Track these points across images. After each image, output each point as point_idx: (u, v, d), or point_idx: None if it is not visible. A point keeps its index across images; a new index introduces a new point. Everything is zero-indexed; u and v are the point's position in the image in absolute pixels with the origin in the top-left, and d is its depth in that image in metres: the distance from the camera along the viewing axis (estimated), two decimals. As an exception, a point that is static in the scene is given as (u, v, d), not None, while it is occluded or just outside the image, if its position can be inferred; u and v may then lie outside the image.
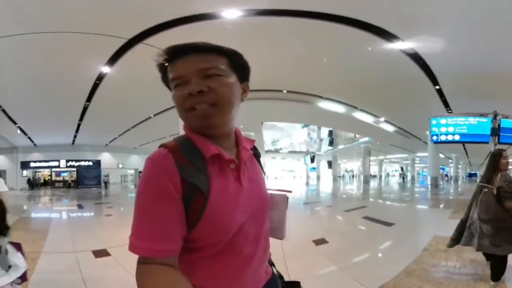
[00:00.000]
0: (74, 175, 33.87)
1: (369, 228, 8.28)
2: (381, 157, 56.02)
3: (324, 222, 10.36)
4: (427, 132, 24.60)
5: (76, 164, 33.51)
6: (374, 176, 63.58)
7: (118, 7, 7.30)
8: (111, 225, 9.47)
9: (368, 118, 19.72)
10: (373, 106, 17.56)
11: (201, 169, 0.99)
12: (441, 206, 13.83)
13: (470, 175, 63.95)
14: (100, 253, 5.49)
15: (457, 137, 12.09)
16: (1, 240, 2.58)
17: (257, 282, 1.16)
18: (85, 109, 15.97)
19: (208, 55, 1.03)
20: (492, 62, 10.30)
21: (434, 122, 12.33)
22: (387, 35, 8.77)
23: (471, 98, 13.34)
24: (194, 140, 1.04)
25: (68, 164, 33.67)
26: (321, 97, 15.53)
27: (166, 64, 1.05)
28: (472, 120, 11.78)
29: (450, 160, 49.27)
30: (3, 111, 15.78)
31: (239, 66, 1.10)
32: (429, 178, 27.43)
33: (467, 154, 39.20)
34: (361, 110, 18.18)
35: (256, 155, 1.28)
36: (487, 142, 11.66)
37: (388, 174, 75.15)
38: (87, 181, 32.77)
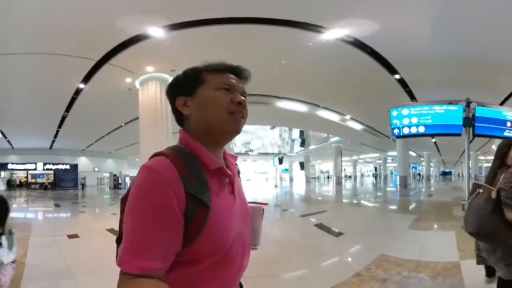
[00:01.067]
0: (51, 177, 35.17)
1: (314, 238, 7.65)
2: (355, 157, 56.15)
3: (269, 228, 8.48)
4: None
5: (54, 167, 34.87)
6: (349, 176, 64.26)
7: (86, 32, 8.51)
8: (83, 219, 12.12)
9: (333, 116, 19.56)
10: (335, 103, 17.37)
11: (203, 182, 1.01)
12: (405, 210, 13.10)
13: (444, 174, 66.00)
14: (72, 236, 7.64)
15: (421, 129, 10.75)
16: (7, 224, 3.50)
17: None
18: (63, 118, 17.54)
19: (244, 83, 1.19)
20: (462, 47, 9.50)
21: (394, 113, 11.07)
22: (313, 27, 8.59)
23: (439, 88, 12.27)
24: (197, 150, 1.06)
25: (46, 167, 35.03)
26: (278, 97, 15.57)
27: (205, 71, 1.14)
28: (439, 108, 10.57)
29: (422, 159, 49.32)
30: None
31: None
32: (398, 177, 27.50)
33: (439, 151, 38.96)
34: (324, 108, 17.94)
35: (238, 170, 1.34)
36: (458, 134, 10.48)
37: (362, 175, 75.32)
38: (64, 183, 34.09)
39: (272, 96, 15.19)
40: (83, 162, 36.57)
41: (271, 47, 10.00)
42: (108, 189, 35.12)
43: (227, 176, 1.12)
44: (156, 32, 8.62)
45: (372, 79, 12.33)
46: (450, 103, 10.46)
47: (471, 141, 11.29)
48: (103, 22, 7.94)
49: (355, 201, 17.72)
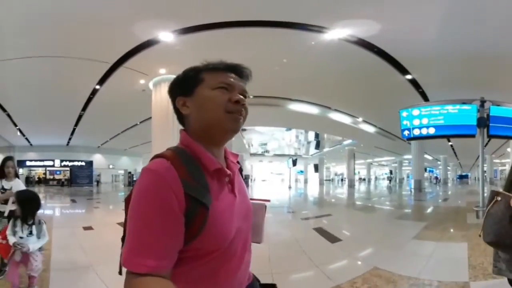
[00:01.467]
0: (68, 174, 36.42)
1: (307, 242, 7.27)
2: (369, 160, 55.75)
3: (266, 229, 8.75)
4: None
5: (70, 164, 36.09)
6: (364, 179, 64.22)
7: (101, 37, 9.10)
8: (97, 213, 13.30)
9: (345, 119, 19.36)
10: (346, 105, 17.28)
11: (202, 182, 1.05)
12: (414, 217, 12.30)
13: (461, 177, 65.07)
14: (87, 228, 8.53)
15: (432, 131, 10.40)
16: (37, 216, 3.97)
17: (241, 286, 1.24)
18: (80, 116, 18.39)
19: (245, 82, 1.23)
20: (475, 44, 9.11)
21: (404, 114, 10.78)
22: (316, 28, 8.66)
23: (453, 88, 11.70)
24: (197, 151, 1.11)
25: (62, 164, 36.24)
26: (290, 99, 15.66)
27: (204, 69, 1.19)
28: (451, 108, 10.18)
29: (439, 162, 47.82)
30: (8, 115, 17.97)
31: None
32: (412, 181, 26.80)
33: (456, 154, 38.19)
34: (336, 110, 17.83)
35: (240, 168, 1.37)
36: (472, 135, 10.03)
37: (376, 178, 74.94)
38: (79, 180, 35.28)
39: (284, 98, 15.38)
40: (98, 159, 37.73)
41: (279, 49, 10.15)
42: (123, 186, 36.12)
43: (226, 176, 1.16)
44: (167, 36, 9.07)
45: (383, 80, 12.11)
46: (464, 102, 10.06)
47: (486, 144, 11.45)
48: (116, 28, 8.47)
49: (363, 205, 17.30)
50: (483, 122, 9.74)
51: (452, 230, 8.54)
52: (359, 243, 7.31)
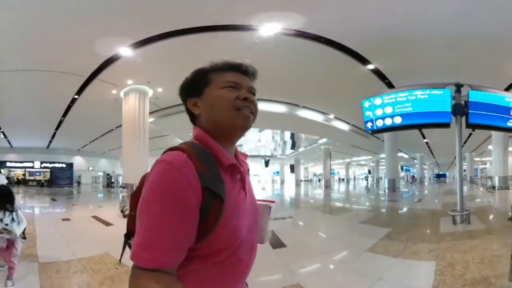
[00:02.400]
0: (47, 175, 37.81)
1: None
2: (347, 160, 56.23)
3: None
4: None
5: (50, 165, 37.53)
6: (342, 179, 64.78)
7: (74, 55, 10.59)
8: (74, 209, 15.03)
9: (316, 116, 19.40)
10: (313, 102, 17.27)
11: (218, 176, 1.06)
12: (380, 221, 10.39)
13: (438, 176, 64.86)
14: (66, 220, 10.49)
15: (398, 120, 9.26)
16: (15, 205, 4.57)
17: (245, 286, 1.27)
18: (60, 122, 20.14)
19: (251, 79, 1.26)
20: (436, 26, 8.55)
21: (366, 104, 9.71)
22: (247, 27, 9.03)
23: (425, 76, 10.40)
24: (212, 146, 1.13)
25: (43, 166, 37.67)
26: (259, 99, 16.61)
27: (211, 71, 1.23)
28: (420, 94, 9.02)
29: (415, 161, 47.75)
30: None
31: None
32: (385, 181, 26.52)
33: (432, 152, 37.94)
34: (305, 107, 17.90)
35: (248, 168, 1.39)
36: (447, 124, 8.91)
37: (354, 178, 75.10)
38: (60, 181, 36.76)
39: None
40: (78, 161, 39.42)
41: (231, 51, 9.56)
42: (102, 187, 38.32)
43: (239, 173, 1.18)
44: (125, 51, 10.39)
45: (345, 73, 11.98)
46: (436, 87, 8.92)
47: (465, 142, 11.83)
48: (84, 47, 10.00)
49: (331, 207, 16.82)
50: (460, 109, 8.76)
51: (419, 241, 6.91)
52: (302, 251, 6.69)
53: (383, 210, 14.91)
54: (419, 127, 10.41)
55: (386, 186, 25.38)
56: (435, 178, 63.02)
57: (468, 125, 9.05)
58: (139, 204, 1.00)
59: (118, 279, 4.55)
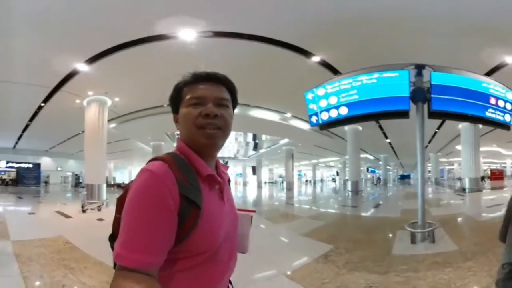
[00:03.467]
0: (13, 174, 39.06)
1: None
2: (314, 161, 56.27)
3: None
4: (346, 128, 22.14)
5: (16, 165, 38.84)
6: (310, 181, 65.55)
7: (39, 70, 12.09)
8: (40, 206, 16.67)
9: (271, 116, 19.63)
10: (265, 101, 17.42)
11: (196, 186, 1.13)
12: (324, 234, 8.44)
13: (403, 177, 63.80)
14: (32, 213, 12.51)
15: (344, 111, 7.97)
16: None
17: None
18: (27, 126, 21.74)
19: (222, 87, 1.28)
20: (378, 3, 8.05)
21: (310, 96, 8.42)
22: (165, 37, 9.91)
23: (379, 59, 8.44)
24: (191, 157, 1.20)
25: (8, 165, 38.91)
26: None
27: (183, 86, 1.28)
28: (366, 79, 7.74)
29: (380, 162, 47.45)
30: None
31: (235, 102, 1.35)
32: (349, 183, 25.29)
33: (395, 153, 37.39)
34: (257, 107, 18.15)
35: (229, 179, 1.46)
36: (404, 112, 7.53)
37: (322, 180, 74.60)
38: (26, 180, 37.94)
39: None
40: (46, 162, 41.05)
41: (173, 60, 10.70)
42: (70, 187, 40.33)
43: (217, 183, 1.24)
44: (82, 66, 11.83)
45: (288, 69, 11.81)
46: (387, 69, 7.62)
47: (430, 141, 10.86)
48: (47, 63, 11.50)
49: (279, 213, 14.59)
50: (421, 94, 7.38)
51: (359, 267, 5.50)
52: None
53: (336, 218, 12.89)
54: (371, 117, 8.39)
55: (349, 189, 24.39)
56: (399, 180, 62.38)
57: (431, 113, 7.54)
58: (124, 208, 1.08)
59: (64, 251, 6.48)
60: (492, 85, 7.74)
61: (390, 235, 8.15)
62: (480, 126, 20.60)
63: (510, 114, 7.86)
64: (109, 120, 17.55)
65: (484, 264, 5.09)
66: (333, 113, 8.20)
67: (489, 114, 7.65)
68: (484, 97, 7.61)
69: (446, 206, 15.40)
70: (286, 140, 32.92)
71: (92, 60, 11.35)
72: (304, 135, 24.10)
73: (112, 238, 1.17)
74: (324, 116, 8.36)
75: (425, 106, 7.57)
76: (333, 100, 8.18)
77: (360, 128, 22.56)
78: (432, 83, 7.33)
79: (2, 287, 4.48)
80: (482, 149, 25.10)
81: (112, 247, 1.12)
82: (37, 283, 4.61)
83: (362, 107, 7.85)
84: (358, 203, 18.68)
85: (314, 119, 8.58)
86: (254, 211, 1.60)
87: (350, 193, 23.80)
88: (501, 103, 7.73)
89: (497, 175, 37.10)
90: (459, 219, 11.06)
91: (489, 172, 44.10)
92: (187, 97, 1.25)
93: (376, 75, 7.68)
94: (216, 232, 1.18)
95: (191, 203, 1.10)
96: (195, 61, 10.37)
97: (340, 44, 10.30)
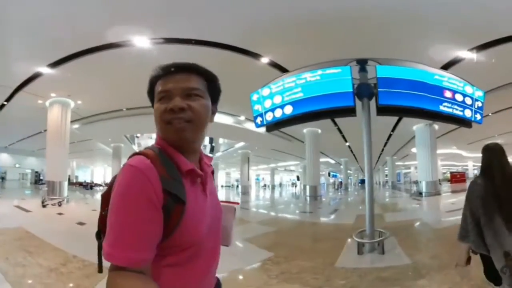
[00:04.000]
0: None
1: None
2: (272, 165, 56.50)
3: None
4: (304, 130, 22.12)
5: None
6: (267, 185, 65.85)
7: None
8: None
9: (224, 119, 19.73)
10: (218, 104, 19.04)
11: (178, 180, 1.13)
12: (268, 240, 8.49)
13: (362, 182, 61.03)
14: None
15: (288, 110, 7.62)
16: None
17: (210, 286, 1.33)
18: None
19: (193, 76, 1.24)
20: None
21: (255, 97, 8.14)
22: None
23: (325, 57, 7.89)
24: (170, 153, 1.18)
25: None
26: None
27: (155, 78, 1.26)
28: (310, 76, 7.49)
29: (342, 166, 47.88)
30: None
31: (214, 90, 1.32)
32: (307, 188, 24.19)
33: (355, 157, 37.01)
34: None
35: (212, 171, 1.45)
36: (350, 110, 7.08)
37: (280, 184, 74.70)
38: (-19, 176, 37.53)
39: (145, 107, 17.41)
40: (4, 158, 41.04)
41: (127, 66, 11.85)
42: (30, 183, 40.43)
43: (199, 176, 1.23)
44: (44, 69, 12.41)
45: (237, 71, 11.38)
46: (330, 65, 7.42)
47: (386, 143, 10.72)
48: (8, 66, 12.09)
49: None
50: (366, 89, 7.15)
51: (293, 278, 5.18)
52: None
53: (286, 224, 12.42)
54: (317, 116, 7.68)
55: (307, 193, 23.56)
56: (360, 184, 61.55)
57: (380, 109, 7.12)
58: (110, 206, 1.07)
59: (24, 239, 7.32)
60: (446, 78, 7.38)
61: (339, 244, 7.46)
62: (436, 127, 21.05)
63: (470, 109, 7.41)
64: (72, 121, 18.39)
65: (441, 282, 4.56)
66: (278, 113, 7.79)
67: (445, 108, 7.18)
68: (438, 90, 7.19)
69: (401, 211, 15.23)
70: (241, 144, 32.51)
71: (55, 64, 12.07)
72: (259, 138, 23.92)
73: (99, 236, 1.21)
74: (269, 116, 7.96)
75: (372, 102, 7.20)
76: (277, 100, 7.82)
77: (320, 131, 22.58)
78: (378, 76, 7.03)
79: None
80: (440, 151, 24.86)
81: (100, 245, 1.17)
82: (2, 263, 5.45)
83: (306, 105, 7.49)
84: (315, 209, 18.10)
85: (259, 120, 8.14)
86: (238, 203, 1.90)
87: (308, 198, 23.11)
88: (459, 97, 7.32)
89: (458, 178, 35.94)
90: (416, 225, 10.63)
91: (449, 175, 44.24)
92: (157, 91, 1.24)
93: (319, 72, 7.37)
94: (200, 227, 1.18)
95: (175, 199, 1.10)
96: (150, 67, 10.94)
97: (287, 44, 10.48)
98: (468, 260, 3.02)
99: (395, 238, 7.44)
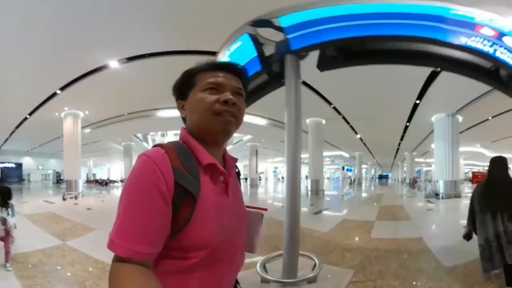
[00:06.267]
0: (-2, 174, 42.60)
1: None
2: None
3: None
4: (307, 120, 21.98)
5: (1, 165, 42.98)
6: (282, 178, 64.65)
7: (24, 94, 16.78)
8: (28, 197, 20.53)
9: None
10: None
11: (194, 174, 1.12)
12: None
13: (381, 177, 66.16)
14: (25, 202, 16.82)
15: None
16: (11, 202, 5.66)
17: None
18: (12, 132, 26.31)
19: (238, 78, 1.28)
20: None
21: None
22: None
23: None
24: (192, 146, 1.19)
25: (-7, 165, 42.27)
26: (157, 109, 21.06)
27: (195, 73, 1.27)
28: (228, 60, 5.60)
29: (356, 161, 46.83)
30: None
31: (247, 91, 1.34)
32: (309, 182, 23.19)
33: (370, 151, 37.59)
34: None
35: (238, 173, 1.45)
36: (259, 74, 5.84)
37: None
38: (10, 179, 41.79)
39: (149, 110, 21.27)
40: (27, 161, 45.47)
41: (116, 83, 15.11)
42: (52, 184, 44.49)
43: (220, 174, 1.21)
44: (58, 92, 16.32)
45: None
46: (230, 43, 6.18)
47: (403, 136, 11.31)
48: (30, 91, 16.44)
49: None
50: (282, 46, 5.53)
51: None
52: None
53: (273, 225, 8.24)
54: None
55: (309, 188, 22.14)
56: (378, 179, 62.56)
57: (295, 53, 5.32)
58: (120, 194, 1.08)
59: (52, 217, 11.19)
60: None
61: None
62: (460, 119, 18.53)
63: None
64: (84, 127, 22.48)
65: None
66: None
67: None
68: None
69: (401, 219, 11.17)
70: (249, 137, 32.26)
71: (64, 87, 15.77)
72: (264, 130, 23.88)
73: None
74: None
75: (314, 58, 5.47)
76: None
77: (324, 121, 21.92)
78: (283, 26, 5.25)
79: (23, 228, 7.66)
80: (462, 149, 21.99)
81: None
82: (44, 227, 9.37)
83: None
84: (306, 206, 15.36)
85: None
86: (266, 209, 1.51)
87: (309, 193, 21.38)
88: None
89: (479, 179, 25.98)
90: (413, 252, 6.44)
91: (470, 175, 42.73)
92: (203, 82, 1.24)
93: (227, 52, 6.15)
94: (215, 228, 1.15)
95: (186, 192, 1.09)
96: (132, 83, 14.99)
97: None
98: (467, 235, 4.14)
99: (363, 275, 4.90)
